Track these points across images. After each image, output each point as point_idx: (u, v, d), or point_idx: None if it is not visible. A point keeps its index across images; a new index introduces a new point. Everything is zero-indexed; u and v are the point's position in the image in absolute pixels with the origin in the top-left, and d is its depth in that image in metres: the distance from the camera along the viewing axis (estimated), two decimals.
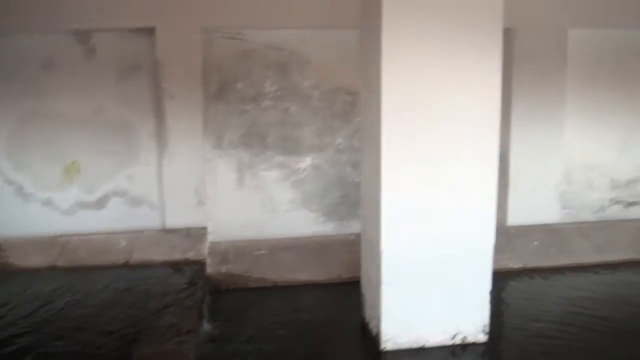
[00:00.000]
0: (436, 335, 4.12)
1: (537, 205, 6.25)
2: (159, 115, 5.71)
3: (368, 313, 4.43)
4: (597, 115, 6.49)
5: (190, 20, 5.54)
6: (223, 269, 5.42)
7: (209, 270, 5.36)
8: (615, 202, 6.75)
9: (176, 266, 5.31)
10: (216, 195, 5.90)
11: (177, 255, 5.45)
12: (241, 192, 5.97)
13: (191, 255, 5.44)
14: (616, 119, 6.54)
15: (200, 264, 5.32)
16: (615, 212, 6.73)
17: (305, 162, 6.01)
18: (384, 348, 4.08)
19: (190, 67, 5.62)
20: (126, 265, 5.39)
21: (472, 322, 4.16)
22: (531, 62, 6.04)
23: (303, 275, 5.40)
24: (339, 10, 5.38)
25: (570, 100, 6.27)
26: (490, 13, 3.83)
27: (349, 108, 5.96)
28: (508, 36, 5.73)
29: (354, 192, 5.82)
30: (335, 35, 5.74)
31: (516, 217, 6.16)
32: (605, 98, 6.46)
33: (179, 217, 5.76)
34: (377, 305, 4.12)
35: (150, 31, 5.54)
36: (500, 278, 5.07)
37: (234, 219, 5.90)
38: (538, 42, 6.04)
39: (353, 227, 5.82)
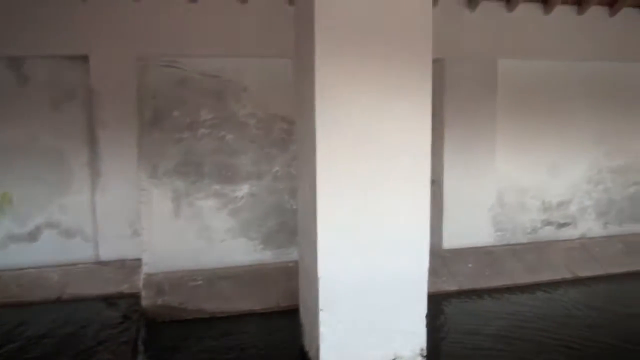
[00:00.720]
0: None
1: (471, 228, 6.43)
2: (93, 144, 5.58)
3: (307, 341, 4.40)
4: (527, 141, 6.77)
5: (125, 48, 5.48)
6: (159, 301, 5.29)
7: (144, 303, 5.21)
8: (547, 223, 7.00)
9: (110, 300, 5.13)
10: (151, 225, 5.79)
11: (111, 289, 5.28)
12: (177, 221, 5.88)
13: (125, 288, 5.27)
14: (545, 143, 6.84)
15: (134, 297, 5.17)
16: (548, 233, 6.98)
17: (243, 190, 5.99)
18: None
19: (125, 95, 5.55)
20: (59, 301, 5.16)
21: (409, 345, 4.19)
22: (462, 91, 6.27)
23: (241, 304, 5.32)
24: (274, 40, 5.45)
25: (501, 126, 6.52)
26: (420, 44, 3.95)
27: (286, 136, 5.99)
28: (439, 66, 5.96)
29: (292, 220, 5.82)
30: (271, 64, 5.80)
31: (451, 240, 6.32)
32: (534, 124, 6.76)
33: (114, 248, 5.61)
34: (315, 333, 4.09)
35: (84, 59, 5.45)
36: (437, 301, 5.18)
37: (170, 249, 5.81)
38: (469, 71, 6.28)
39: (292, 254, 5.81)
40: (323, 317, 4.00)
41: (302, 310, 4.57)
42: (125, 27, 5.45)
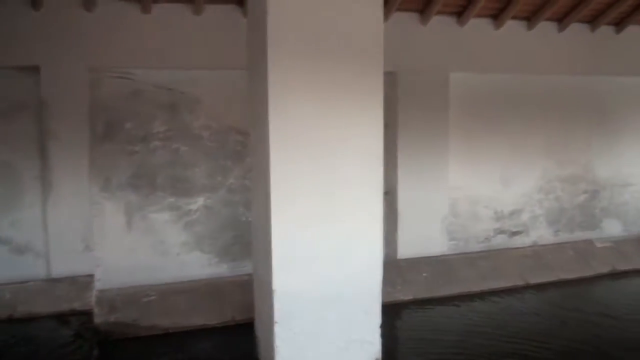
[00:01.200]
0: None
1: (425, 238, 6.51)
2: (44, 157, 5.44)
3: (262, 355, 4.37)
4: (479, 152, 6.91)
5: (77, 58, 5.38)
6: (112, 318, 5.16)
7: (97, 320, 5.09)
8: (500, 232, 7.14)
9: (63, 318, 5.02)
10: (104, 240, 5.66)
11: (64, 306, 5.15)
12: (130, 235, 5.77)
13: (77, 305, 5.15)
14: (497, 154, 7.00)
15: (87, 314, 5.06)
16: (501, 241, 7.12)
17: (197, 203, 5.93)
18: None
19: (76, 107, 5.44)
20: (10, 319, 5.02)
21: (365, 355, 4.21)
22: (415, 104, 6.37)
23: (196, 319, 5.26)
24: (227, 51, 5.43)
25: (453, 138, 6.65)
26: (372, 57, 4.02)
27: (241, 148, 5.96)
28: (392, 79, 6.06)
29: (248, 232, 5.74)
30: (225, 75, 5.76)
31: (406, 250, 6.37)
32: (486, 136, 6.92)
33: (66, 264, 5.46)
34: (270, 346, 4.08)
35: (35, 69, 5.32)
36: (393, 310, 5.23)
37: (123, 264, 5.68)
38: (421, 84, 6.39)
39: (247, 267, 5.75)
40: (278, 330, 4.00)
41: (257, 323, 4.55)
42: (77, 37, 5.36)
